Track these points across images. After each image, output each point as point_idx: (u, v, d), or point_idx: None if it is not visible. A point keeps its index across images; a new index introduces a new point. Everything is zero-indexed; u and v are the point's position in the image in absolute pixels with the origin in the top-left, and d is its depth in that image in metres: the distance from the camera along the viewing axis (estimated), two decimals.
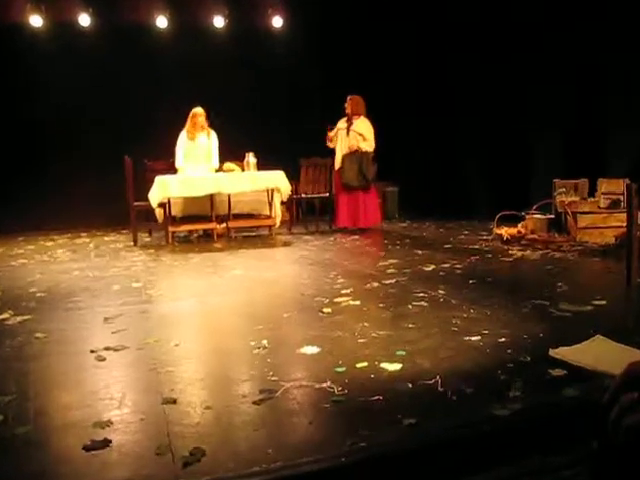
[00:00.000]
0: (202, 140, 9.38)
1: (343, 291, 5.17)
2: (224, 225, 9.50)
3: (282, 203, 9.81)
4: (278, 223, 9.70)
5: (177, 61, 12.05)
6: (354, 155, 9.68)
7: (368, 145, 9.73)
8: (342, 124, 9.93)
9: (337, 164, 9.88)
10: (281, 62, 12.51)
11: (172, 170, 9.57)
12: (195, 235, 9.69)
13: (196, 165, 9.25)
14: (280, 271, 6.47)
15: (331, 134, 9.93)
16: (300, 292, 5.20)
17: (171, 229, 9.13)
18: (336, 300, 4.82)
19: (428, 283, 5.31)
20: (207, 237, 9.59)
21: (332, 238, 9.09)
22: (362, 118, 9.88)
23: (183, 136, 9.36)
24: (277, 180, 9.36)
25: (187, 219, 9.39)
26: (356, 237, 9.06)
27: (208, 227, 9.46)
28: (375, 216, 10.00)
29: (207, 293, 5.30)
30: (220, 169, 9.62)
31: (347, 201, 9.77)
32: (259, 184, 9.25)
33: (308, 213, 11.14)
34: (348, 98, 9.87)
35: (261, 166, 9.61)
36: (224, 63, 12.20)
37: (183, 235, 9.88)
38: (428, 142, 12.17)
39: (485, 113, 10.78)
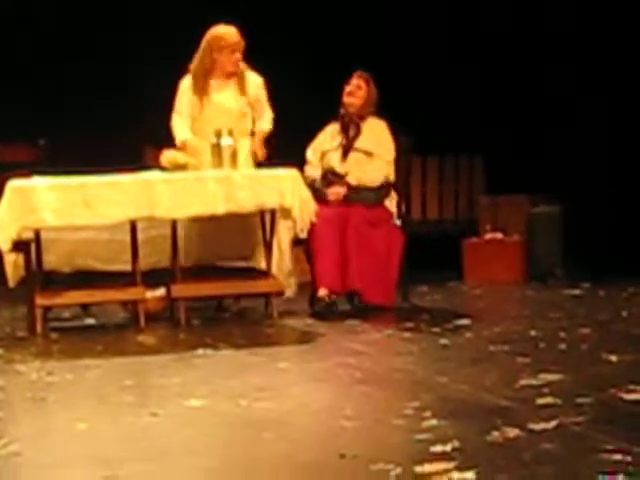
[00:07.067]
0: (226, 97, 6.29)
1: (434, 448, 3.40)
2: (161, 294, 6.25)
3: (296, 242, 6.37)
4: (290, 288, 6.41)
5: None
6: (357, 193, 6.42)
7: (376, 172, 6.37)
8: (331, 137, 6.50)
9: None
10: None
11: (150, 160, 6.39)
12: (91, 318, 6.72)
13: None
14: (290, 400, 4.36)
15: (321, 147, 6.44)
16: (336, 450, 3.40)
17: (42, 302, 6.08)
18: (419, 471, 3.15)
19: (633, 431, 3.50)
20: (125, 320, 6.64)
21: (411, 323, 5.88)
22: (373, 120, 6.54)
23: (187, 88, 6.28)
24: (286, 190, 6.02)
25: (79, 279, 6.21)
26: (464, 322, 6.01)
27: (125, 298, 6.32)
28: (382, 283, 6.22)
29: (124, 456, 3.52)
30: (159, 165, 6.17)
31: (330, 225, 6.19)
32: (243, 200, 5.91)
33: None
34: (356, 77, 6.34)
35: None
36: None
37: (70, 315, 6.78)
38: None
39: None
